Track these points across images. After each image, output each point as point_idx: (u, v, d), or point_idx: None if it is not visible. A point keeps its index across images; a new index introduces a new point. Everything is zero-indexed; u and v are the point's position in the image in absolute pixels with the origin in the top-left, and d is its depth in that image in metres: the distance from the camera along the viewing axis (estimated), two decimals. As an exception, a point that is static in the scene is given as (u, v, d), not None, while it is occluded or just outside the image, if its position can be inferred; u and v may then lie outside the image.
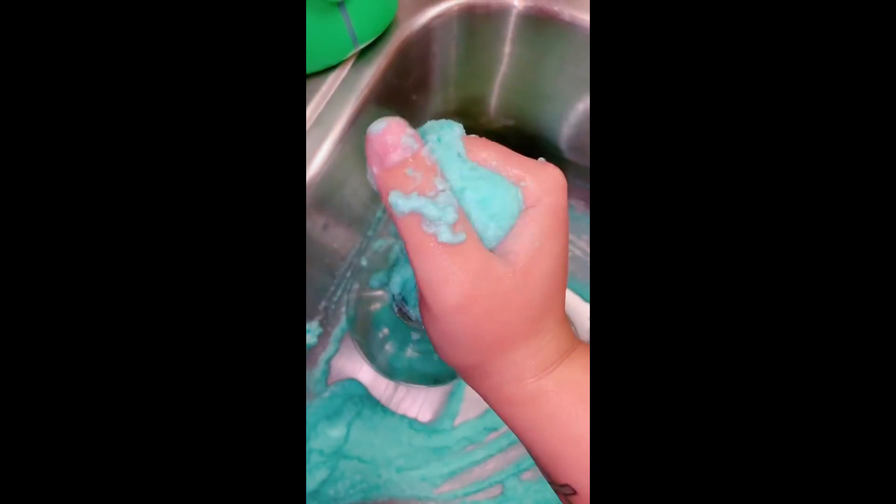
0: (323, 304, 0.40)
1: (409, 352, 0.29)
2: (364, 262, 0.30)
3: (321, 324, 0.40)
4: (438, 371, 0.29)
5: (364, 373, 0.41)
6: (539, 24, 0.36)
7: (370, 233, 0.43)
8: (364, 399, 0.41)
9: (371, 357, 0.29)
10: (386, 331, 0.29)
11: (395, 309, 0.25)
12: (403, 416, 0.40)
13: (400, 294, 0.24)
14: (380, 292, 0.29)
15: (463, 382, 0.41)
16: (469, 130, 0.52)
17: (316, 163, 0.32)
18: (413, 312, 0.24)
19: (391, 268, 0.26)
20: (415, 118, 0.43)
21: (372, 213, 0.42)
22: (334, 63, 0.32)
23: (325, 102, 0.32)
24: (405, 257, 0.25)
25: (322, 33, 0.29)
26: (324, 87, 0.32)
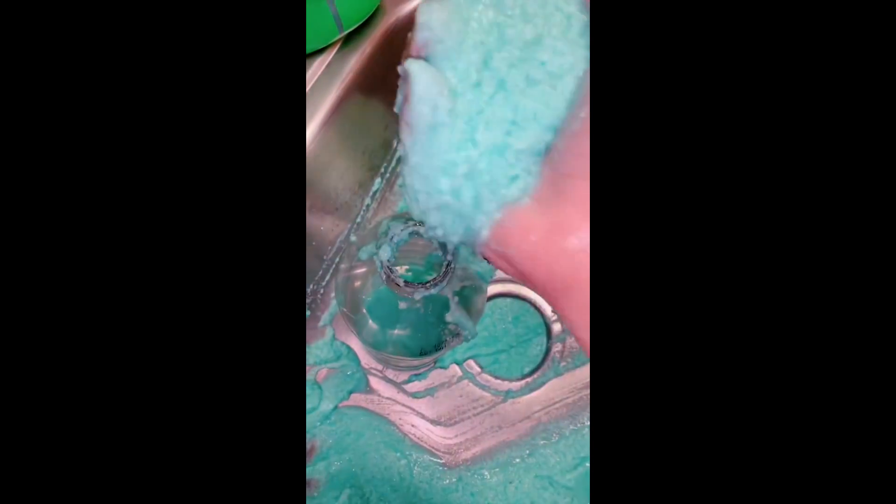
0: (311, 287, 0.40)
1: (397, 330, 0.30)
2: (353, 238, 0.30)
3: (309, 307, 0.40)
4: (423, 344, 0.29)
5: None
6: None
7: (359, 219, 0.44)
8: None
9: (358, 330, 0.30)
10: (369, 309, 0.30)
11: (384, 277, 0.25)
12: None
13: (389, 261, 0.25)
14: (363, 269, 0.30)
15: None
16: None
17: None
18: (400, 281, 0.25)
19: (381, 238, 0.26)
20: (402, 107, 0.44)
21: (360, 199, 0.43)
22: (319, 48, 0.33)
23: (309, 87, 0.33)
24: (396, 229, 0.26)
25: (306, 18, 0.29)
26: (308, 72, 0.33)
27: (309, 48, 0.32)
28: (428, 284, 0.25)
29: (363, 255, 0.29)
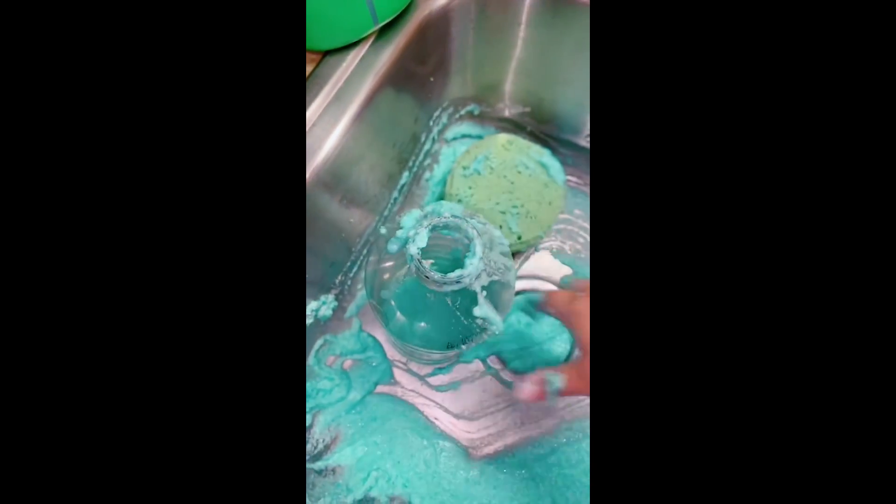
0: (339, 278, 0.41)
1: (423, 322, 0.30)
2: (383, 230, 0.31)
3: (337, 298, 0.41)
4: (450, 337, 0.29)
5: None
6: (555, 5, 0.37)
7: (386, 212, 0.44)
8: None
9: (386, 321, 0.30)
10: (397, 300, 0.30)
11: (414, 269, 0.25)
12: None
13: (418, 254, 0.25)
14: (392, 262, 0.30)
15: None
16: (485, 117, 0.52)
17: (332, 139, 0.33)
18: (431, 273, 0.25)
19: (410, 231, 0.27)
20: (433, 101, 0.44)
21: (388, 192, 0.43)
22: (354, 40, 0.33)
23: (343, 79, 0.33)
24: (424, 223, 0.26)
25: (343, 9, 0.30)
26: (343, 64, 0.33)
27: (344, 40, 0.32)
28: (455, 276, 0.25)
29: (392, 247, 0.29)
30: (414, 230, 0.26)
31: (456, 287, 0.25)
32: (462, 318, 0.29)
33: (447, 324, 0.29)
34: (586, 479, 0.39)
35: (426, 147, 0.46)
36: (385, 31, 0.34)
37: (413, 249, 0.26)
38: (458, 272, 0.25)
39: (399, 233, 0.29)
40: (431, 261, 0.33)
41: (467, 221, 0.27)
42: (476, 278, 0.26)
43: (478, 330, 0.29)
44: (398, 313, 0.30)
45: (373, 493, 0.39)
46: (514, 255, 0.45)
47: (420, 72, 0.39)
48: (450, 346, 0.29)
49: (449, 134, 0.48)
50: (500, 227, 0.41)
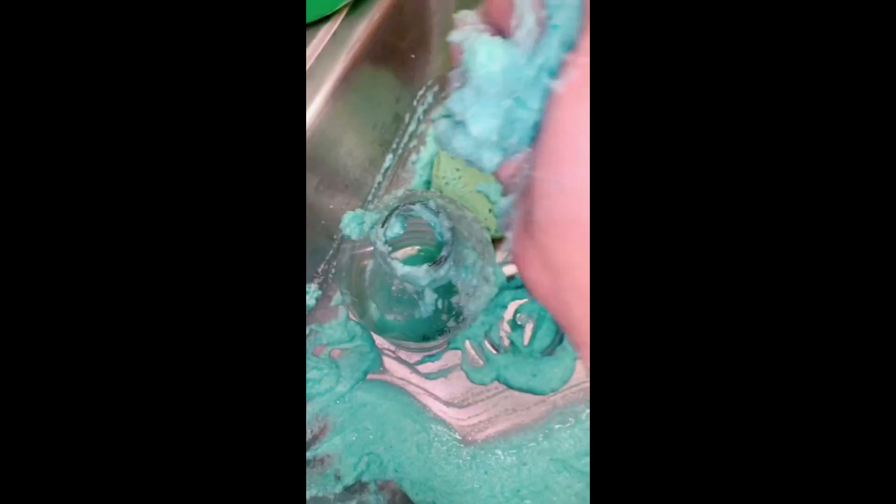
0: (322, 266, 0.40)
1: (396, 315, 0.29)
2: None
3: (320, 286, 0.40)
4: (425, 329, 0.28)
5: (365, 337, 0.41)
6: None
7: (370, 198, 0.42)
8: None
9: (361, 314, 0.29)
10: (370, 293, 0.29)
11: (380, 262, 0.24)
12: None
13: (385, 245, 0.24)
14: (364, 251, 0.29)
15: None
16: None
17: (307, 119, 0.31)
18: (396, 266, 0.24)
19: (377, 221, 0.25)
20: (416, 79, 0.42)
21: (370, 176, 0.42)
22: (325, 13, 0.31)
23: (315, 56, 0.31)
24: (396, 215, 0.24)
25: (308, -19, 0.28)
26: (314, 41, 0.31)
27: (313, 15, 0.30)
28: (429, 269, 0.24)
29: (356, 236, 0.28)
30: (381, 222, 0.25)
31: (429, 280, 0.24)
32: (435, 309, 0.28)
33: (417, 317, 0.28)
34: (578, 464, 0.38)
35: (411, 128, 0.44)
36: (358, 3, 0.32)
37: (374, 239, 0.24)
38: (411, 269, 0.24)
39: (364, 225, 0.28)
40: (419, 247, 0.31)
41: (429, 210, 0.25)
42: (449, 270, 0.24)
43: (454, 320, 0.28)
44: (372, 306, 0.28)
45: (364, 479, 0.39)
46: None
47: (400, 47, 0.37)
48: (426, 338, 0.28)
49: (435, 114, 0.46)
50: (490, 211, 0.40)
